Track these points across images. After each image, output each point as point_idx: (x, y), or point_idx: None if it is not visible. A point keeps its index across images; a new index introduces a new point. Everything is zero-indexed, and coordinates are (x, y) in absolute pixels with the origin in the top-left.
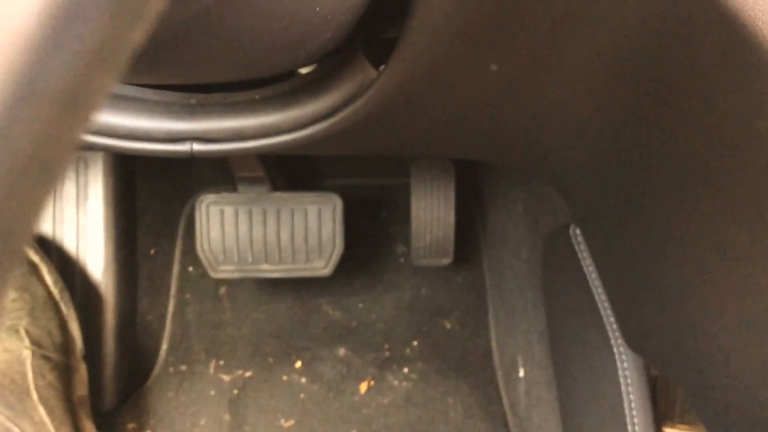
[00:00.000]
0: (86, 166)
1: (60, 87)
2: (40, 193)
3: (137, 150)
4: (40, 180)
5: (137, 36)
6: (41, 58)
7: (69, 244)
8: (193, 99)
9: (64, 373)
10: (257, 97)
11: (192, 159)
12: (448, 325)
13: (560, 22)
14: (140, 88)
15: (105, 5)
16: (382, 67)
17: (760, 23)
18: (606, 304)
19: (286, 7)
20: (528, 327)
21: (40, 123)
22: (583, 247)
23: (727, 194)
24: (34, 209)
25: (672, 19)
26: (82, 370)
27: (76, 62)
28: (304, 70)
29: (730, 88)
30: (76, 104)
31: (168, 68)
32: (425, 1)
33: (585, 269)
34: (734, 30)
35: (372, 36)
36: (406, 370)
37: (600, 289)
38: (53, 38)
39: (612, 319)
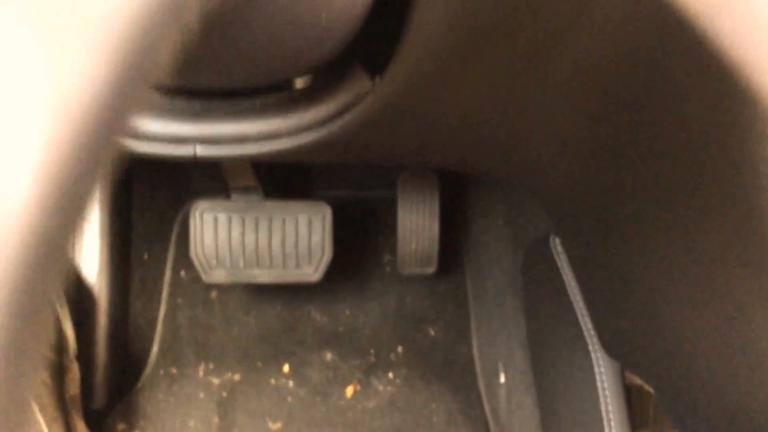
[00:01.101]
0: None
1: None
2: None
3: (142, 151)
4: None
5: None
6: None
7: None
8: (198, 105)
9: (57, 372)
10: (258, 104)
11: (195, 161)
12: (432, 332)
13: (544, 42)
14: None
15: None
16: (378, 78)
17: (726, 43)
18: (584, 311)
19: (295, 16)
20: (509, 334)
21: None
22: (562, 256)
23: (700, 207)
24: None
25: (647, 43)
26: (74, 370)
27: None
28: (300, 82)
29: (702, 108)
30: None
31: (188, 72)
32: (421, 18)
33: (564, 278)
34: (703, 53)
35: (369, 50)
36: (391, 375)
37: (578, 297)
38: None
39: (590, 326)
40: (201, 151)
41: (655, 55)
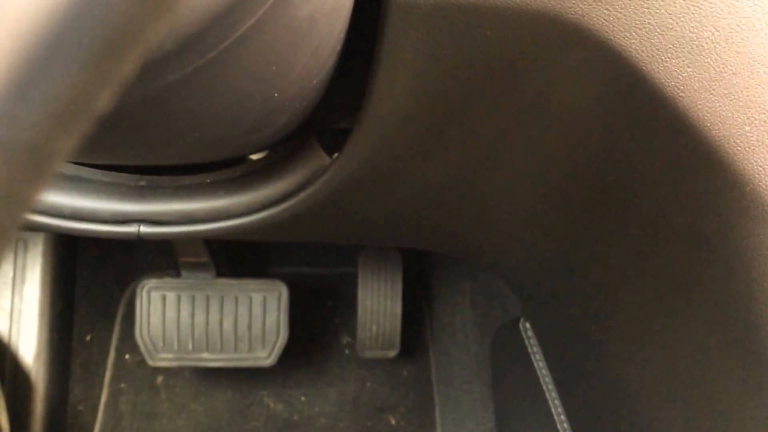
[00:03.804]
0: (26, 248)
1: (21, 142)
2: None
3: (82, 231)
4: None
5: (106, 96)
6: (4, 110)
7: (1, 328)
8: (143, 181)
9: None
10: (208, 180)
11: (139, 241)
12: (393, 421)
13: (510, 122)
14: (88, 169)
15: (77, 60)
16: (336, 154)
17: (708, 124)
18: (557, 401)
19: (245, 91)
20: (476, 425)
21: None
22: (533, 341)
23: (678, 293)
24: None
25: (624, 123)
26: None
27: (40, 117)
28: (255, 156)
29: (679, 188)
30: (35, 163)
31: (122, 148)
32: (379, 93)
33: (535, 365)
34: (683, 133)
35: (326, 125)
36: None
37: (551, 386)
38: (18, 89)
39: (563, 417)
40: (145, 230)
41: (632, 138)
